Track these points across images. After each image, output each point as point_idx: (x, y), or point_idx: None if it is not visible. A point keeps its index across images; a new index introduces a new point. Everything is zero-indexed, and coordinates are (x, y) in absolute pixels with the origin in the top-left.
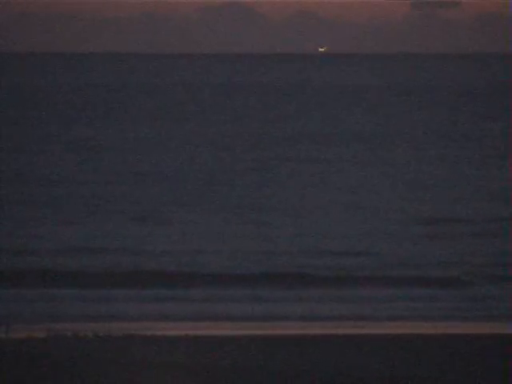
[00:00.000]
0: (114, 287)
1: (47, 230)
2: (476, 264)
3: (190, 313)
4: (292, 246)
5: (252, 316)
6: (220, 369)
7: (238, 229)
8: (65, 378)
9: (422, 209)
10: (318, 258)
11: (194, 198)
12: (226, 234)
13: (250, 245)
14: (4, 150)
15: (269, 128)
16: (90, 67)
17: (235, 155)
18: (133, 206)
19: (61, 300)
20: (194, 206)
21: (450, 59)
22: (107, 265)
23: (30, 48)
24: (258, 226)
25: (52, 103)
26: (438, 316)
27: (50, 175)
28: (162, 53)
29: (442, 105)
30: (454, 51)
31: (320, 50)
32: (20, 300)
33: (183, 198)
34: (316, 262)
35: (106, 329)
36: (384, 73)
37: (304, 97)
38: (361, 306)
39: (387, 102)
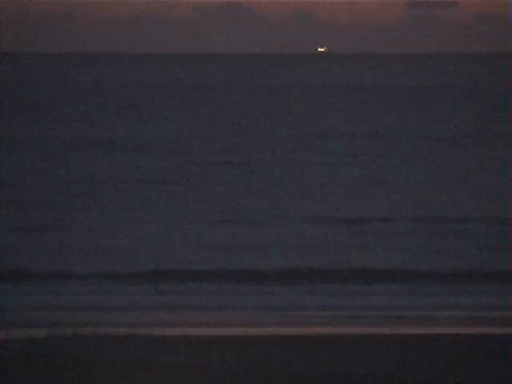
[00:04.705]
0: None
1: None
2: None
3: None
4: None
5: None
6: (220, 369)
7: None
8: (65, 378)
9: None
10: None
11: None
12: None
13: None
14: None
15: (269, 128)
16: (90, 67)
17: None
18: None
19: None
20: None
21: (448, 59)
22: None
23: (30, 48)
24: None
25: (52, 102)
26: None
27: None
28: (161, 53)
29: (442, 104)
30: (451, 51)
31: (320, 49)
32: None
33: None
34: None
35: (105, 329)
36: (384, 73)
37: (305, 97)
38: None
39: (387, 101)
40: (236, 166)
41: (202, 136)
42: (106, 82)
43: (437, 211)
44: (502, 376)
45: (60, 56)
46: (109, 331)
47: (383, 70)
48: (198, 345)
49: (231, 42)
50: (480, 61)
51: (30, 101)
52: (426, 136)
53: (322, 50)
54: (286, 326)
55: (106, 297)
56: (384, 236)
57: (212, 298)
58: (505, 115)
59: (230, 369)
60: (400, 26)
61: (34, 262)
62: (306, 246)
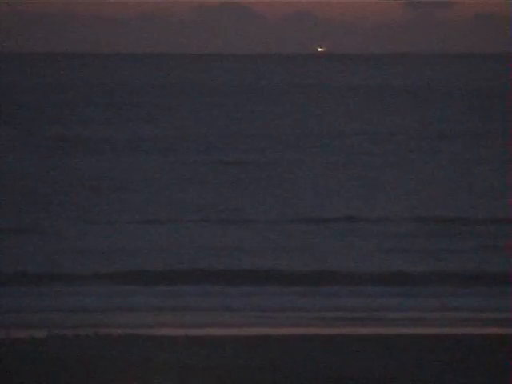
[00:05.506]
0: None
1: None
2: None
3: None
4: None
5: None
6: (220, 369)
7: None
8: (65, 377)
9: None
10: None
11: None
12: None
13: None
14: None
15: (268, 128)
16: (89, 67)
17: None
18: None
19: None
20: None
21: (447, 59)
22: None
23: (30, 48)
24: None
25: (50, 102)
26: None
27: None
28: (161, 53)
29: (442, 104)
30: (450, 51)
31: (319, 50)
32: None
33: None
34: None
35: (106, 329)
36: (384, 73)
37: (304, 97)
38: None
39: (388, 101)
40: (234, 166)
41: (200, 136)
42: (105, 81)
43: (436, 211)
44: (501, 377)
45: (60, 56)
46: (109, 332)
47: (383, 70)
48: (199, 345)
49: (231, 42)
50: (480, 61)
51: (28, 100)
52: (427, 136)
53: (322, 50)
54: (284, 327)
55: (106, 297)
56: (382, 236)
57: (211, 299)
58: (506, 115)
59: (229, 369)
60: (400, 26)
61: (33, 264)
62: (304, 247)
